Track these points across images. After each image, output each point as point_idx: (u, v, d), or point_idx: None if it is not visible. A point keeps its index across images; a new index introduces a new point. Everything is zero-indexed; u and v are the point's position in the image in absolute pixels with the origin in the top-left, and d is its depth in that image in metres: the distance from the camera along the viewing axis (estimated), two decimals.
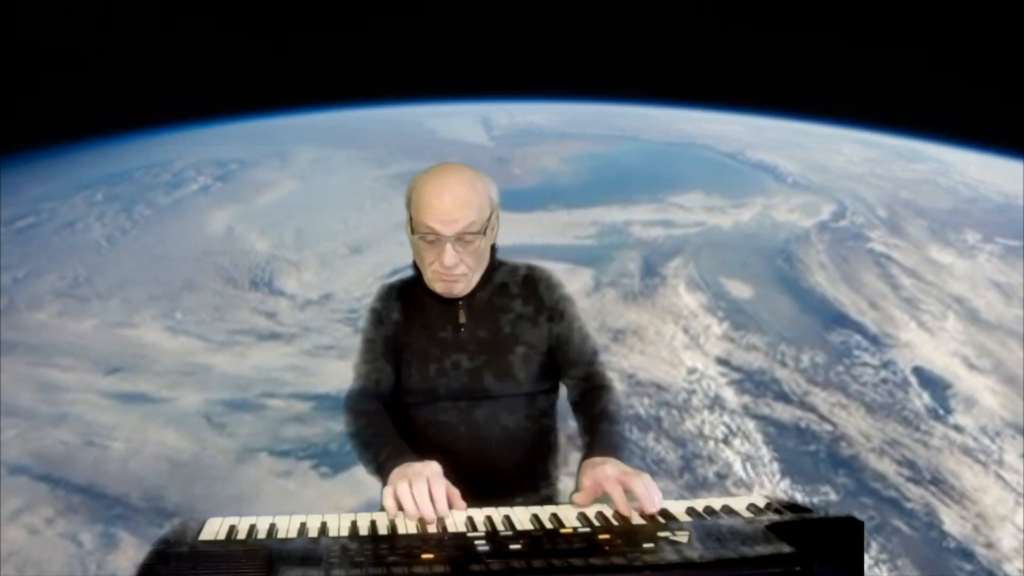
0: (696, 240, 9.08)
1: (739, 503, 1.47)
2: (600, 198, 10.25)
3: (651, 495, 1.43)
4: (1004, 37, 9.92)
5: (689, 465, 5.31)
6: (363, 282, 7.93)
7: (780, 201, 10.56)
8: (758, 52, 12.79)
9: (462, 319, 1.82)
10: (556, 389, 1.91)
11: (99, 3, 11.62)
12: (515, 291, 1.86)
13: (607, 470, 1.50)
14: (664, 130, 13.94)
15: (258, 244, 8.91)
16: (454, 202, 1.69)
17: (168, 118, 12.81)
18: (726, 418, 5.80)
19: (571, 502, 1.52)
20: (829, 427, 5.74)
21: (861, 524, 1.32)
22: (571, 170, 11.58)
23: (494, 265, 1.86)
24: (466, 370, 1.80)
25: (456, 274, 1.74)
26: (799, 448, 5.53)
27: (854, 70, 12.19)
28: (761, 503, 1.46)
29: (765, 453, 5.46)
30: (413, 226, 1.75)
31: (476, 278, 1.79)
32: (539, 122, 14.31)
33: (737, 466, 5.33)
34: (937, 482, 5.27)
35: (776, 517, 1.38)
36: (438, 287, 1.78)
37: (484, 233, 1.74)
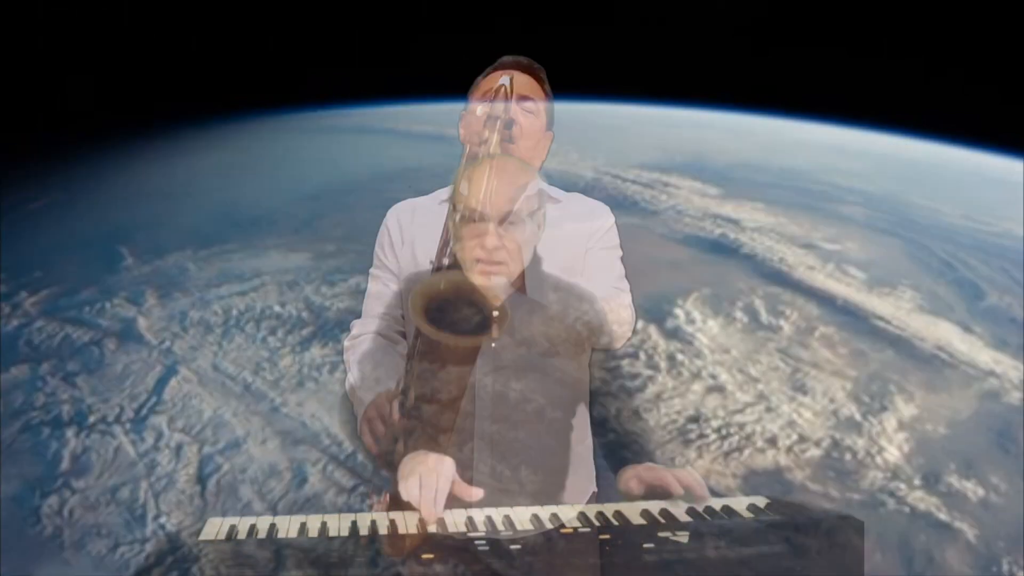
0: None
1: (739, 503, 1.47)
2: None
3: (700, 482, 1.43)
4: (1006, 36, 9.73)
5: None
6: None
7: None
8: (760, 53, 12.60)
9: (495, 333, 1.52)
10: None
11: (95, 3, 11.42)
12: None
13: (659, 470, 1.48)
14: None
15: None
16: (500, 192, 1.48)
17: (163, 119, 12.64)
18: None
19: (619, 491, 1.52)
20: None
21: (861, 524, 1.32)
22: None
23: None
24: (491, 394, 1.59)
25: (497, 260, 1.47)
26: None
27: (857, 70, 12.00)
28: (761, 503, 1.46)
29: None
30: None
31: (518, 268, 1.51)
32: None
33: None
34: None
35: (776, 517, 1.39)
36: (477, 278, 1.50)
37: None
